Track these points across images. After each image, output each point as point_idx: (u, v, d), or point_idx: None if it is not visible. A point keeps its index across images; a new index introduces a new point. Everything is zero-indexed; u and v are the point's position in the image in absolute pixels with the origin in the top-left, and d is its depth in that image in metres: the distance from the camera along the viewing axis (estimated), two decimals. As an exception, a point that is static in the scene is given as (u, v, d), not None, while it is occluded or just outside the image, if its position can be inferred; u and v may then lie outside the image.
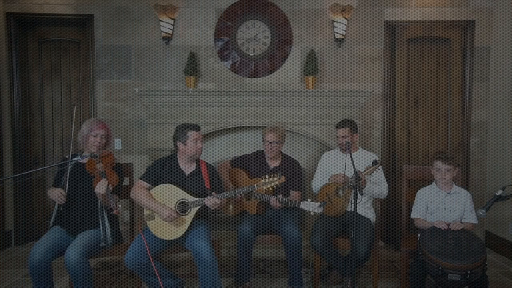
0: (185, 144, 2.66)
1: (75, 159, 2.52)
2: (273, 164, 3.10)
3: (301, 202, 2.75)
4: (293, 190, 3.02)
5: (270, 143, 2.99)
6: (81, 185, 2.58)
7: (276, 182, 2.63)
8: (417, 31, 3.95)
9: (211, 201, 2.55)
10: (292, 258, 2.84)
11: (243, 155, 3.33)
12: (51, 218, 2.66)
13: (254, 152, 3.25)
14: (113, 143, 2.86)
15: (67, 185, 2.55)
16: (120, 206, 2.51)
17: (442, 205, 2.65)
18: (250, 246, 2.85)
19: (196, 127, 2.69)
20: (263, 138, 3.06)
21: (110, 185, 2.51)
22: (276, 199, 2.79)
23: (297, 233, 2.80)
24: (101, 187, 2.47)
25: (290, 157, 3.20)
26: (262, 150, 3.17)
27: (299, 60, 3.95)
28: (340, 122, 3.04)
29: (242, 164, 3.20)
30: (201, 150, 2.73)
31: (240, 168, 3.18)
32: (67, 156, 2.80)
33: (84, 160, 2.58)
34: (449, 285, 2.25)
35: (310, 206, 2.67)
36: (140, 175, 2.75)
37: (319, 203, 2.64)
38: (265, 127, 3.09)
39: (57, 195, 2.52)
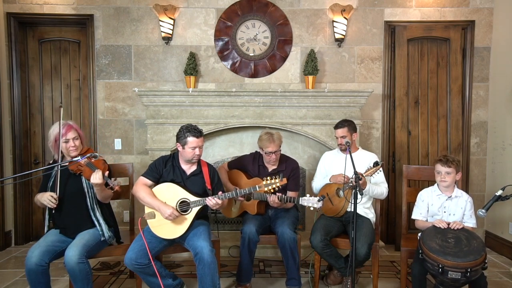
0: (183, 149, 2.66)
1: (75, 159, 2.50)
2: (271, 166, 3.10)
3: (300, 198, 2.75)
4: (290, 191, 3.02)
5: (271, 153, 2.96)
6: (69, 186, 2.57)
7: (278, 184, 2.63)
8: (417, 31, 3.95)
9: (212, 201, 2.55)
10: (288, 258, 2.84)
11: (241, 157, 3.33)
12: (45, 224, 2.64)
13: (251, 154, 3.24)
14: (83, 139, 2.77)
15: (57, 188, 2.51)
16: (117, 181, 2.49)
17: (442, 208, 2.65)
18: (253, 246, 2.85)
19: (197, 134, 2.63)
20: (261, 148, 3.01)
21: (99, 171, 2.46)
22: (275, 196, 2.79)
23: (290, 233, 2.79)
24: (96, 177, 2.43)
25: (288, 157, 3.19)
26: (259, 152, 3.16)
27: (299, 60, 3.95)
28: (338, 123, 3.04)
29: (240, 166, 3.20)
30: (199, 156, 2.71)
31: (238, 169, 3.18)
32: (50, 162, 2.77)
33: (82, 161, 2.54)
34: (449, 283, 2.26)
35: (310, 201, 2.67)
36: (143, 173, 2.76)
37: (318, 198, 2.65)
38: (261, 135, 3.01)
39: (48, 198, 2.45)
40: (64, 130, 2.57)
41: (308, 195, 2.72)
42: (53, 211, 2.53)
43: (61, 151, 2.59)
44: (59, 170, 2.52)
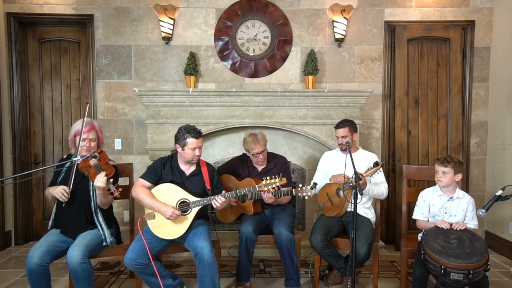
0: (183, 150, 2.65)
1: (75, 159, 2.50)
2: (261, 166, 3.10)
3: (293, 190, 2.76)
4: (283, 187, 3.00)
5: (259, 154, 2.97)
6: (76, 185, 2.56)
7: (278, 184, 2.63)
8: (417, 31, 3.95)
9: (219, 201, 2.54)
10: (285, 258, 2.84)
11: (229, 161, 3.34)
12: (50, 220, 2.64)
13: (239, 156, 3.25)
14: (102, 143, 2.77)
15: (71, 183, 2.50)
16: (120, 189, 2.48)
17: (443, 209, 2.64)
18: (251, 246, 2.85)
19: (196, 134, 2.61)
20: (247, 150, 3.01)
21: (104, 175, 2.45)
22: (268, 192, 2.76)
23: (287, 234, 2.79)
24: (100, 180, 2.41)
25: (276, 155, 3.20)
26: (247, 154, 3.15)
27: (299, 60, 3.95)
28: (339, 122, 3.04)
29: (229, 170, 3.20)
30: (199, 157, 2.70)
31: (228, 174, 3.17)
32: (64, 157, 2.79)
33: (92, 162, 2.52)
34: (451, 284, 2.26)
35: (303, 192, 2.70)
36: (141, 174, 2.75)
37: (310, 186, 2.68)
38: (245, 138, 3.01)
39: (60, 192, 2.44)
40: (86, 129, 2.57)
41: (300, 185, 2.74)
42: (63, 205, 2.51)
43: (77, 148, 2.59)
44: (75, 166, 2.50)
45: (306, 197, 2.73)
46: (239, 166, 3.15)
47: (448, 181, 2.59)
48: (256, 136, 2.96)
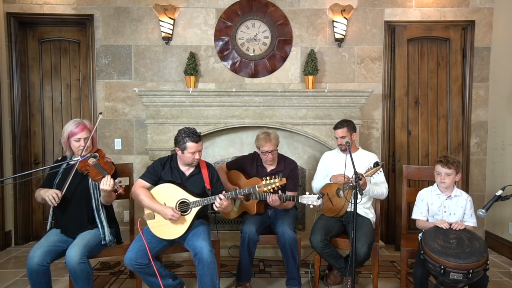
0: (183, 153, 2.64)
1: (75, 159, 2.49)
2: (270, 167, 3.10)
3: (300, 196, 2.75)
4: (289, 191, 3.02)
5: (268, 153, 2.97)
6: (75, 185, 2.55)
7: (278, 184, 2.63)
8: (417, 31, 3.95)
9: (218, 201, 2.53)
10: (288, 258, 2.84)
11: (239, 158, 3.34)
12: (48, 222, 2.63)
13: (250, 154, 3.24)
14: (96, 141, 2.76)
15: (65, 187, 2.47)
16: (124, 185, 2.50)
17: (442, 207, 2.65)
18: (253, 246, 2.85)
19: (196, 139, 2.59)
20: (258, 147, 3.02)
21: (110, 177, 2.45)
22: (275, 195, 2.78)
23: (291, 233, 2.79)
24: (107, 184, 2.41)
25: (286, 158, 3.19)
26: (258, 153, 3.15)
27: (299, 60, 3.95)
28: (337, 123, 3.04)
29: (238, 166, 3.20)
30: (199, 160, 2.70)
31: (237, 170, 3.17)
32: (59, 158, 2.79)
33: (91, 161, 2.52)
34: (451, 284, 2.26)
35: (309, 199, 2.68)
36: (141, 175, 2.75)
37: (317, 195, 2.65)
38: (258, 135, 3.02)
39: (52, 195, 2.40)
40: (78, 129, 2.57)
41: (307, 193, 2.72)
42: (51, 209, 2.51)
43: (73, 149, 2.59)
44: (75, 167, 2.48)
45: (311, 206, 2.67)
46: (248, 164, 3.15)
47: (451, 182, 2.62)
48: (269, 134, 2.97)
